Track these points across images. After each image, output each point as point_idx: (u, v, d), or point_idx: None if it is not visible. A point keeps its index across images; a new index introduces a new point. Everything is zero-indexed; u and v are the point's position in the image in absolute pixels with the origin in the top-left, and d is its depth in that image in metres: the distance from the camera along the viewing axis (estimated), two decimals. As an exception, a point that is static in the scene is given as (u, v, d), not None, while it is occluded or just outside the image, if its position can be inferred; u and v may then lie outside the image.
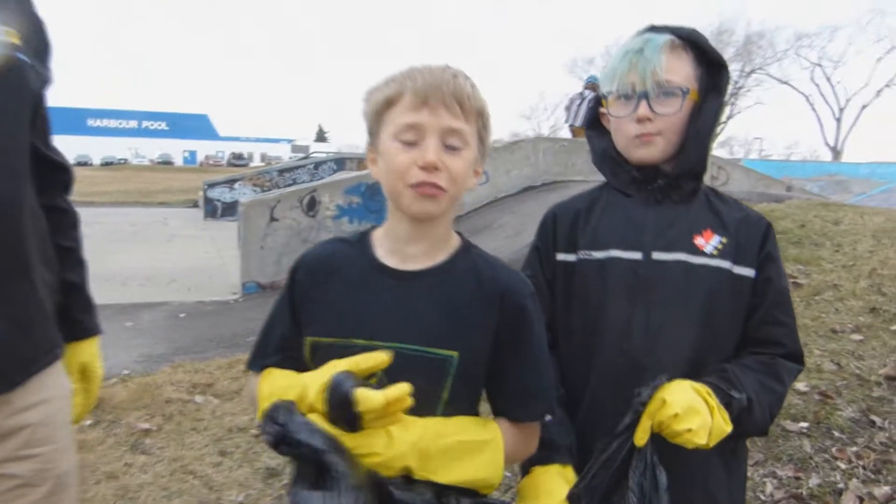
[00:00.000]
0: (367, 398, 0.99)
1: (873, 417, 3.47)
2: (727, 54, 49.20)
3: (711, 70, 1.37)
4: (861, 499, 2.85)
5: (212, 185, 18.41)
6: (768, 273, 1.35)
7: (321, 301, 1.19)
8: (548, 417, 1.22)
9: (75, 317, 1.51)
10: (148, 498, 3.00)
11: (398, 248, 1.20)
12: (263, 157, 75.52)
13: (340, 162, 18.79)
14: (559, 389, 1.41)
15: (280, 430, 1.01)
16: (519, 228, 8.03)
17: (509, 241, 7.56)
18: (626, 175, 1.41)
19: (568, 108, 12.86)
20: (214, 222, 16.96)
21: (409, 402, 1.03)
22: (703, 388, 1.20)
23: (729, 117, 50.75)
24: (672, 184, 1.38)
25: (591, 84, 12.69)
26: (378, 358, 1.05)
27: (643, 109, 1.32)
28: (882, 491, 2.88)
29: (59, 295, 1.42)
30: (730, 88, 1.43)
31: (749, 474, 3.04)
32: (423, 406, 1.11)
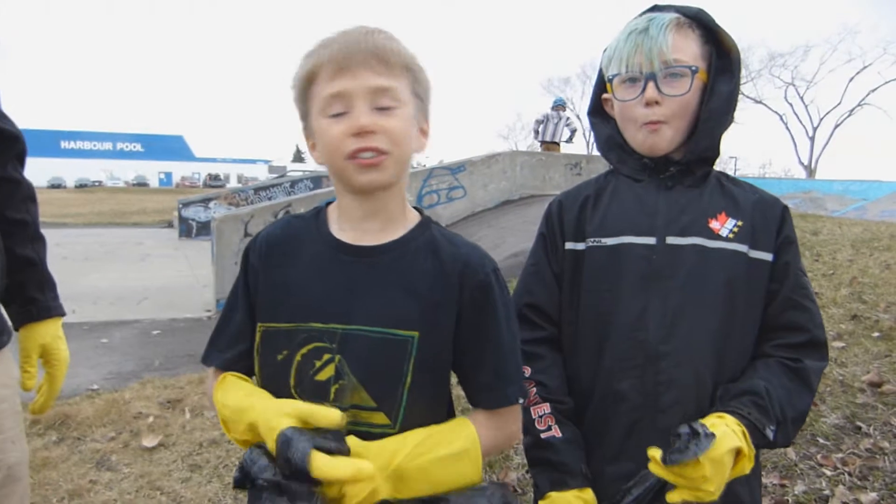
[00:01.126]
0: (327, 469, 0.90)
1: (858, 423, 3.44)
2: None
3: (720, 51, 1.31)
4: (847, 505, 2.80)
5: (186, 205, 18.21)
6: (787, 257, 1.29)
7: (277, 283, 1.12)
8: (520, 400, 1.14)
9: (31, 295, 1.43)
10: (112, 516, 2.86)
11: (353, 224, 1.13)
12: (240, 178, 75.14)
13: (317, 180, 18.72)
14: (565, 400, 1.34)
15: (241, 475, 0.96)
16: (497, 241, 7.99)
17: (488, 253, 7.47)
18: (636, 162, 1.36)
19: (536, 129, 13.06)
20: (189, 242, 16.76)
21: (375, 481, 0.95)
22: (741, 431, 1.13)
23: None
24: (683, 170, 1.33)
25: (559, 105, 12.86)
26: (331, 417, 0.96)
27: (651, 92, 1.26)
28: (869, 497, 2.85)
29: (10, 274, 1.33)
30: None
31: (734, 482, 3.00)
32: (385, 391, 1.06)
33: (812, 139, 47.87)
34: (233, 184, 66.02)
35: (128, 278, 10.28)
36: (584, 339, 1.33)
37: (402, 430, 1.06)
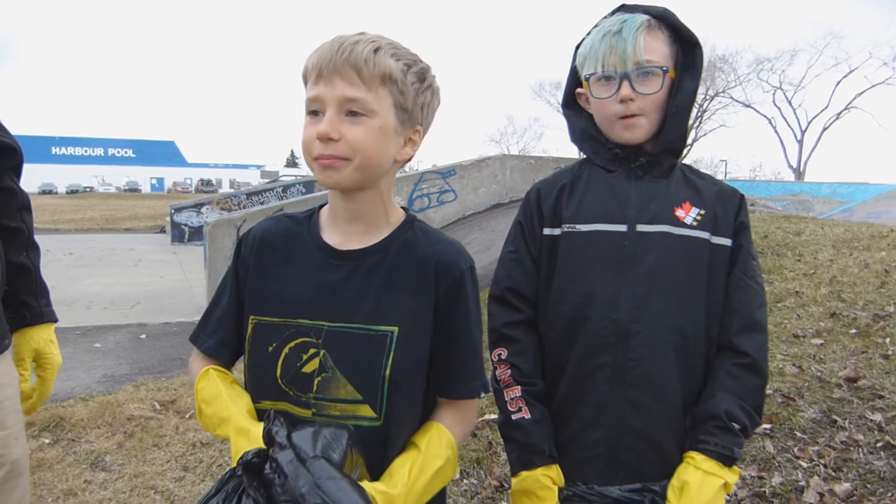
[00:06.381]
0: None
1: (834, 417, 3.53)
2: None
3: (686, 48, 1.41)
4: (822, 495, 2.89)
5: (179, 210, 18.20)
6: (740, 241, 1.41)
7: (266, 280, 1.20)
8: (482, 394, 1.24)
9: (24, 300, 1.48)
10: (107, 513, 2.93)
11: (340, 227, 1.21)
12: (232, 184, 74.94)
13: (309, 185, 18.73)
14: (537, 382, 1.43)
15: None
16: (487, 244, 8.08)
17: (478, 256, 7.58)
18: (608, 152, 1.45)
19: None
20: (182, 247, 16.76)
21: None
22: (714, 465, 1.29)
23: (694, 140, 51.58)
24: (653, 161, 1.42)
25: None
26: None
27: (626, 90, 1.35)
28: (843, 487, 2.93)
29: (7, 281, 1.39)
30: (704, 66, 1.46)
31: (713, 474, 3.08)
32: (368, 384, 1.13)
33: (800, 142, 47.99)
34: (225, 189, 65.78)
35: (121, 283, 10.31)
36: (560, 318, 1.42)
37: (387, 421, 1.14)
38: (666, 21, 1.40)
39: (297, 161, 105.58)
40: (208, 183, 70.70)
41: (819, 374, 4.02)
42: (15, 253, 1.46)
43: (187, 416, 4.11)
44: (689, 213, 1.39)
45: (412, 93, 1.14)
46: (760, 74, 48.34)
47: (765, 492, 2.96)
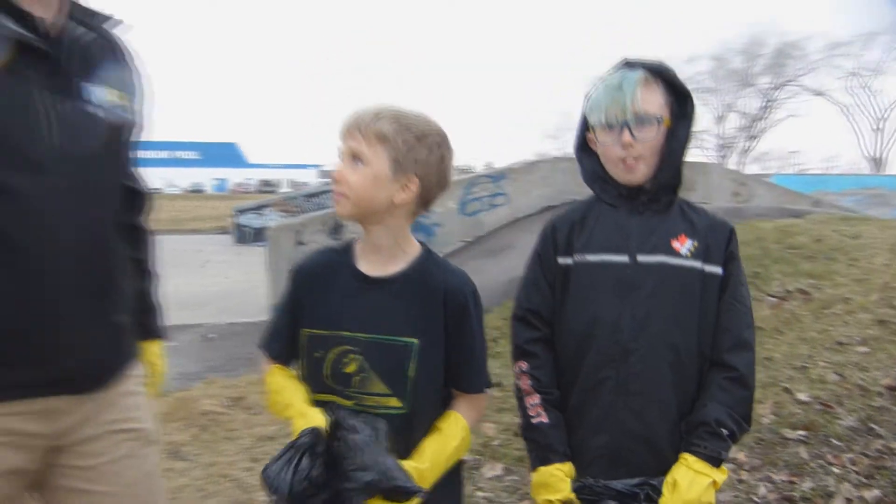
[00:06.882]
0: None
1: (872, 426, 3.57)
2: (758, 67, 47.28)
3: (680, 98, 1.62)
4: (850, 500, 2.97)
5: (242, 211, 18.80)
6: (730, 269, 1.62)
7: (315, 301, 1.54)
8: (485, 389, 1.58)
9: (140, 320, 1.74)
10: (187, 498, 3.26)
11: (368, 258, 1.54)
12: (292, 184, 76.26)
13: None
14: (553, 392, 1.65)
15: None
16: (537, 249, 8.19)
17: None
18: (614, 191, 1.66)
19: None
20: (245, 248, 17.10)
21: None
22: (703, 465, 1.50)
23: (762, 131, 49.57)
24: (652, 198, 1.63)
25: None
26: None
27: (626, 136, 1.56)
28: (873, 494, 3.00)
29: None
30: (696, 116, 1.67)
31: (744, 478, 3.21)
32: (396, 381, 1.47)
33: (880, 131, 45.43)
34: (284, 189, 66.96)
35: (190, 284, 10.66)
36: (571, 338, 1.64)
37: (411, 410, 1.47)
38: (661, 75, 1.61)
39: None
40: (268, 183, 72.19)
41: (861, 381, 4.04)
42: (138, 279, 1.73)
43: (254, 411, 4.44)
44: (684, 245, 1.60)
45: (404, 149, 1.44)
46: (834, 60, 45.04)
47: (794, 496, 3.05)
